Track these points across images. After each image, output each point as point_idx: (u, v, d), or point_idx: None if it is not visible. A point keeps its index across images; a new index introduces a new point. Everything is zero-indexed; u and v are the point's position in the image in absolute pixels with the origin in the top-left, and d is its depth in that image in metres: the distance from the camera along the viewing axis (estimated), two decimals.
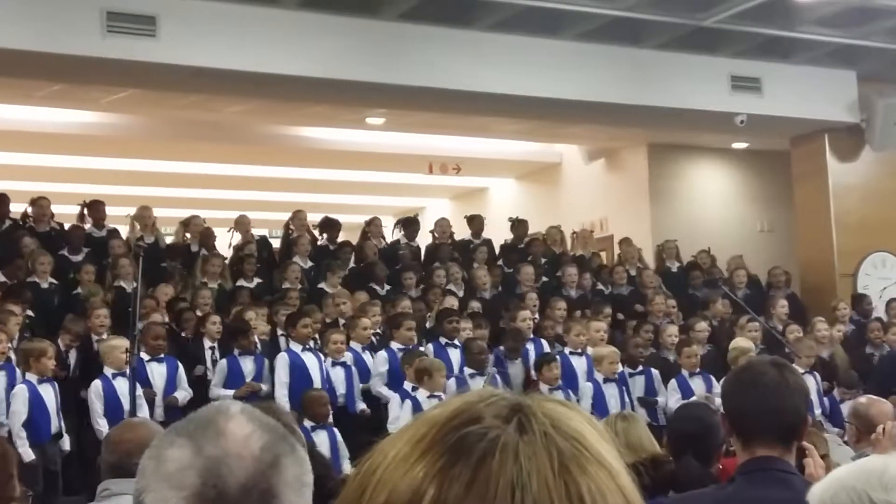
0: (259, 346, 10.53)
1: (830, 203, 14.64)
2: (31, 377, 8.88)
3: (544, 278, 13.50)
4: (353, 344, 10.65)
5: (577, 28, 12.33)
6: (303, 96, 12.59)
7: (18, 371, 9.07)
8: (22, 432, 8.66)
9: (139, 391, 9.25)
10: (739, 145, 16.20)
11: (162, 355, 9.96)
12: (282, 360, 10.09)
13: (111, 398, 9.20)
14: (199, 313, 11.01)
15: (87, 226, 12.44)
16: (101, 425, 9.03)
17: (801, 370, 10.71)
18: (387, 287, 12.68)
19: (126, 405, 9.11)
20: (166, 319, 10.77)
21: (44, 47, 10.17)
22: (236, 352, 10.19)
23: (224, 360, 10.17)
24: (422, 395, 9.52)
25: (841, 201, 14.64)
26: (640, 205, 16.06)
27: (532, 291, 12.66)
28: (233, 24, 10.94)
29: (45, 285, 11.08)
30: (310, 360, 10.13)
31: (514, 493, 0.87)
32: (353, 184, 18.08)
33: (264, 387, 10.06)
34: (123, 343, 9.35)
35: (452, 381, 9.91)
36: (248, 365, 10.18)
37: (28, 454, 8.48)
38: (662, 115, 13.55)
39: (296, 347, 10.20)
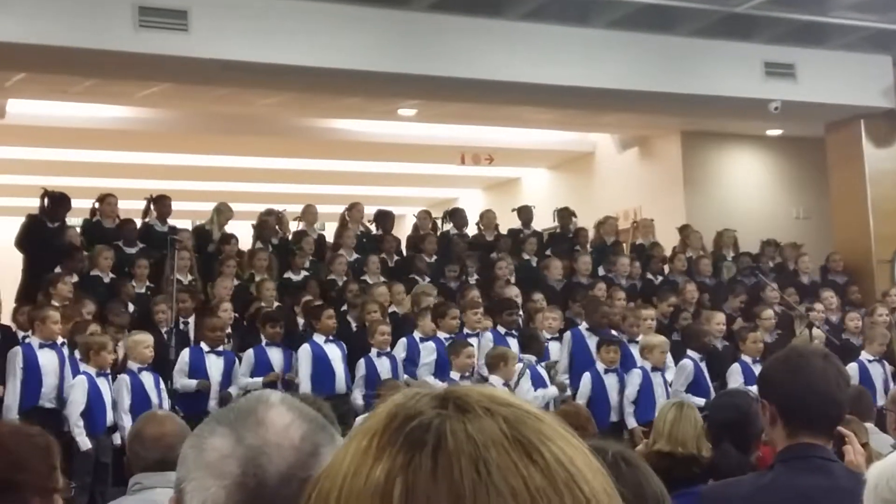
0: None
1: (867, 189, 14.53)
2: (90, 369, 9.03)
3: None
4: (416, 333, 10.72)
5: (608, 16, 12.29)
6: (334, 88, 12.62)
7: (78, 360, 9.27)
8: (80, 421, 8.90)
9: (183, 383, 9.42)
10: (774, 132, 16.08)
11: (221, 348, 10.07)
12: (304, 353, 10.16)
13: (138, 392, 9.31)
14: (263, 305, 11.10)
15: (149, 219, 12.53)
16: (125, 421, 9.09)
17: (870, 357, 10.64)
18: (426, 279, 12.74)
19: (154, 398, 9.28)
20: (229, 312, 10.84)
21: (77, 43, 10.25)
22: (263, 342, 10.26)
23: (251, 350, 10.23)
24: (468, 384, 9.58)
25: (877, 187, 14.52)
26: (675, 193, 15.99)
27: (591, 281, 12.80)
28: (263, 17, 10.98)
29: (107, 279, 11.28)
30: (332, 351, 10.21)
31: (478, 467, 0.87)
32: (386, 175, 18.12)
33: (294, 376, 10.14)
34: (147, 338, 9.49)
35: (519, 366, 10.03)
36: (275, 355, 10.25)
37: (85, 443, 8.83)
38: (695, 102, 13.48)
39: (318, 339, 10.25)
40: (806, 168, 16.13)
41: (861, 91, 13.99)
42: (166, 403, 9.25)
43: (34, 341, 9.25)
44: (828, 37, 13.41)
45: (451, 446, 0.89)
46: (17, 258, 12.02)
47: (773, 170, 16.58)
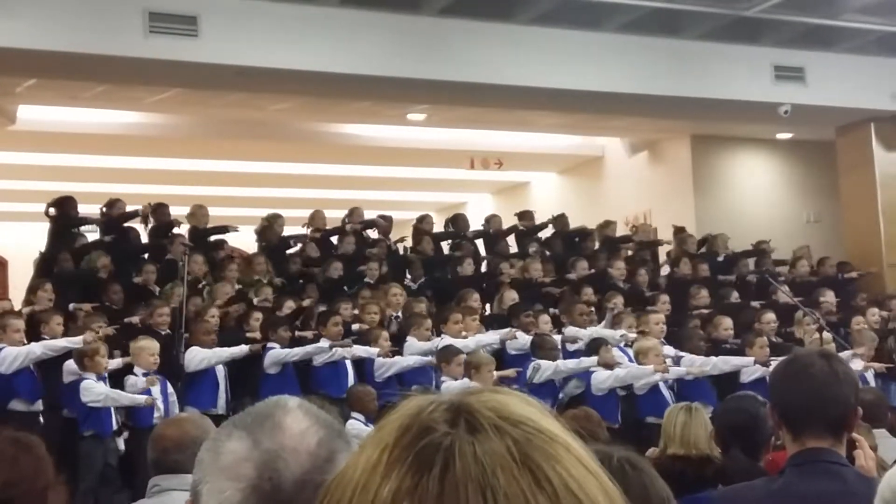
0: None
1: (877, 192, 14.52)
2: (89, 376, 9.00)
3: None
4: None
5: (617, 20, 12.29)
6: (344, 93, 12.63)
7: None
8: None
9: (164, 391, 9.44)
10: (784, 136, 16.05)
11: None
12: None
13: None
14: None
15: (149, 227, 12.54)
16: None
17: (861, 363, 10.60)
18: (420, 282, 12.75)
19: (158, 405, 9.20)
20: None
21: (87, 49, 10.28)
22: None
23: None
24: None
25: (888, 190, 14.51)
26: (685, 197, 15.96)
27: (587, 286, 12.75)
28: (273, 22, 11.00)
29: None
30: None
31: (486, 494, 0.86)
32: (396, 180, 18.12)
33: None
34: (153, 345, 9.47)
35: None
36: None
37: None
38: (705, 106, 13.47)
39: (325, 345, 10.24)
40: (816, 172, 16.10)
41: (871, 94, 13.97)
42: (176, 409, 9.16)
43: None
44: (837, 40, 13.39)
45: (458, 470, 0.87)
46: (28, 262, 12.10)
47: (783, 173, 16.56)
